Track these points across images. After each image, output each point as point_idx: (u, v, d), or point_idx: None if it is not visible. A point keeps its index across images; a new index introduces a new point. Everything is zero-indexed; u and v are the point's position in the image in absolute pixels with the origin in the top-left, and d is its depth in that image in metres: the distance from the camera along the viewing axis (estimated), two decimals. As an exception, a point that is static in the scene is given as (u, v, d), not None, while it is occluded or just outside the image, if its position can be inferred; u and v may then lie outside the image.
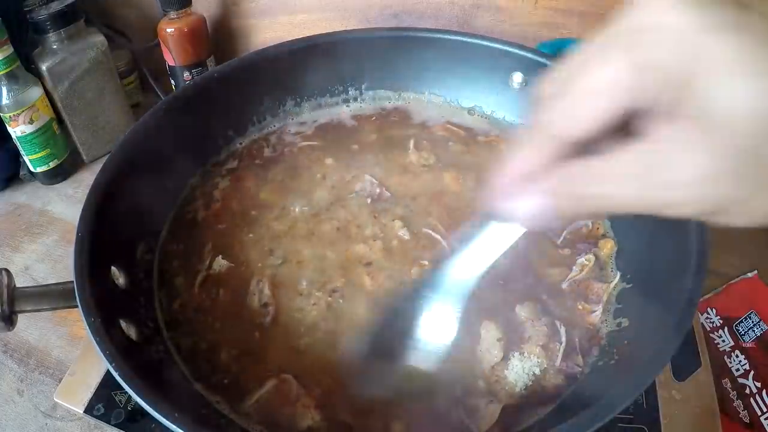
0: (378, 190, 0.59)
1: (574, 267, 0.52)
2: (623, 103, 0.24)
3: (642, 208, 0.26)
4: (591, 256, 0.52)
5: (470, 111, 0.68)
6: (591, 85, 0.25)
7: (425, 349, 0.41)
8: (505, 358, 0.46)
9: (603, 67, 0.24)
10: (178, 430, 0.34)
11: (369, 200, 0.58)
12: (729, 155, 0.22)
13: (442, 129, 0.66)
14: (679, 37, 0.22)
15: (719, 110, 0.22)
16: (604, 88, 0.24)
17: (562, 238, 0.54)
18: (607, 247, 0.53)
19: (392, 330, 0.43)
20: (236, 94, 0.64)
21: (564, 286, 0.51)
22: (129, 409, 0.48)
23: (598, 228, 0.55)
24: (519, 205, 0.29)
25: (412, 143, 0.63)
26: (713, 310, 0.60)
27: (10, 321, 0.41)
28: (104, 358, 0.37)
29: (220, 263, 0.54)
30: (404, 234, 0.54)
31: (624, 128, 0.25)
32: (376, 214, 0.57)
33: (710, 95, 0.22)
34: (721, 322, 0.60)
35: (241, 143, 0.66)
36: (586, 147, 0.26)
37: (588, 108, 0.25)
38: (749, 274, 0.62)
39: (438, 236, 0.54)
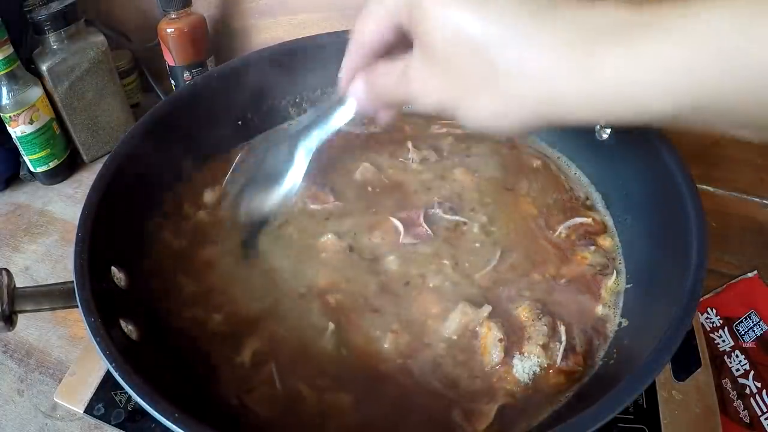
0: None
1: (573, 265, 0.52)
2: (389, 21, 0.36)
3: (402, 101, 0.38)
4: (590, 255, 0.52)
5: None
6: (370, 9, 0.37)
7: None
8: (505, 358, 0.46)
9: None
10: (178, 430, 0.34)
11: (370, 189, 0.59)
12: (441, 69, 0.34)
13: (444, 127, 0.66)
14: None
15: (429, 33, 0.33)
16: (375, 11, 0.37)
17: (557, 232, 0.54)
18: (607, 245, 0.53)
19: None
20: (237, 94, 0.64)
21: (563, 284, 0.51)
22: (129, 409, 0.48)
23: (597, 226, 0.55)
24: (351, 89, 0.43)
25: (410, 144, 0.63)
26: (713, 310, 0.60)
27: (10, 321, 0.41)
28: (104, 358, 0.37)
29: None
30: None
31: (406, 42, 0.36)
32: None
33: (425, 19, 0.33)
34: (721, 322, 0.60)
35: (242, 143, 0.66)
36: (389, 52, 0.39)
37: (369, 25, 0.38)
38: (749, 274, 0.62)
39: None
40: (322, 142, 0.51)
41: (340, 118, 0.47)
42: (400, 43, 0.37)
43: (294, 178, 0.54)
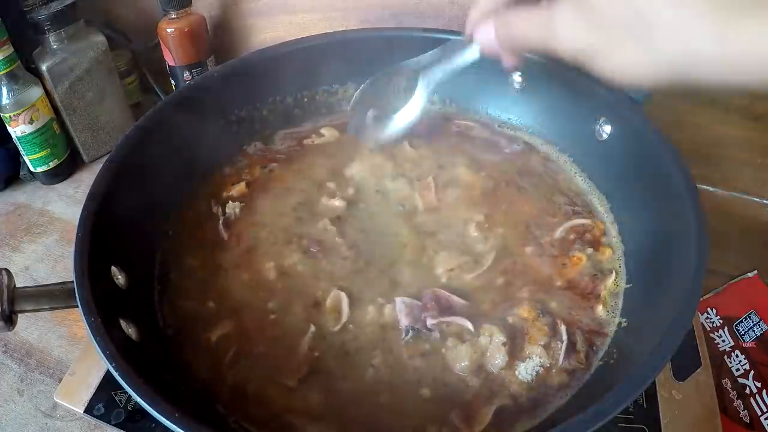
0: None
1: (573, 266, 0.52)
2: None
3: (540, 49, 0.41)
4: (590, 255, 0.52)
5: (470, 111, 0.68)
6: None
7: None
8: (509, 361, 0.46)
9: None
10: (178, 430, 0.34)
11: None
12: (592, 17, 0.36)
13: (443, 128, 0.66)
14: None
15: None
16: None
17: (557, 233, 0.54)
18: (606, 245, 0.53)
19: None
20: (237, 94, 0.64)
21: (563, 285, 0.51)
22: (129, 409, 0.48)
23: (597, 226, 0.55)
24: (478, 32, 0.47)
25: (406, 142, 0.63)
26: (713, 310, 0.61)
27: (10, 321, 0.41)
28: (104, 358, 0.37)
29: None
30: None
31: None
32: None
33: None
34: (721, 322, 0.60)
35: (242, 143, 0.66)
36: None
37: None
38: (749, 274, 0.62)
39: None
40: (443, 79, 0.56)
41: (464, 58, 0.51)
42: None
43: (413, 107, 0.59)
